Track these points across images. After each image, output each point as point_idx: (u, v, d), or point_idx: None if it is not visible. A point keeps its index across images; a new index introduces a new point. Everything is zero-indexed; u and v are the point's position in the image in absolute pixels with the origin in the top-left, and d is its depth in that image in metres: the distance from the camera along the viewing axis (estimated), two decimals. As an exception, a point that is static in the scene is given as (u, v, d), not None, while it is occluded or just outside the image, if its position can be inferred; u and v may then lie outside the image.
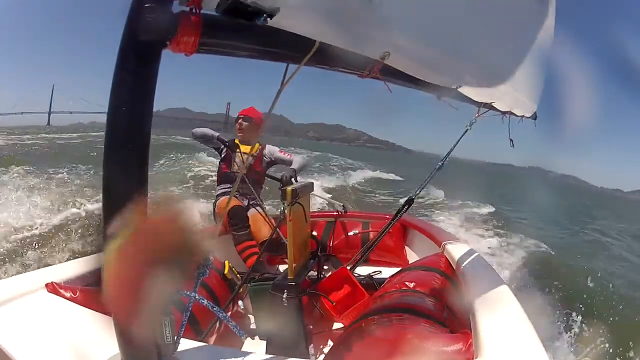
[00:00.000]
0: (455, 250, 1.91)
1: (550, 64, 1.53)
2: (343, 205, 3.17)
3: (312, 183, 2.15)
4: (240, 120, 2.83)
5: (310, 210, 2.12)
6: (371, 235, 2.86)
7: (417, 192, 2.52)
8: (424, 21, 0.82)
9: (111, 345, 0.74)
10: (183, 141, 15.51)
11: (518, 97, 1.47)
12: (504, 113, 1.61)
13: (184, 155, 12.22)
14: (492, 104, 1.42)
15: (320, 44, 0.73)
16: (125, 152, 0.64)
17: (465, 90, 1.12)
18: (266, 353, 1.62)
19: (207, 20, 0.62)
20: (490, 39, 1.11)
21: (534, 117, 1.84)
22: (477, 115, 1.81)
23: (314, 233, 2.85)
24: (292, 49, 0.75)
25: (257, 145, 2.88)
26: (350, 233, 2.99)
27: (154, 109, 0.65)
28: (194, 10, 0.60)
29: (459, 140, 2.24)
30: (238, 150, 2.81)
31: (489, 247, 5.94)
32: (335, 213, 3.15)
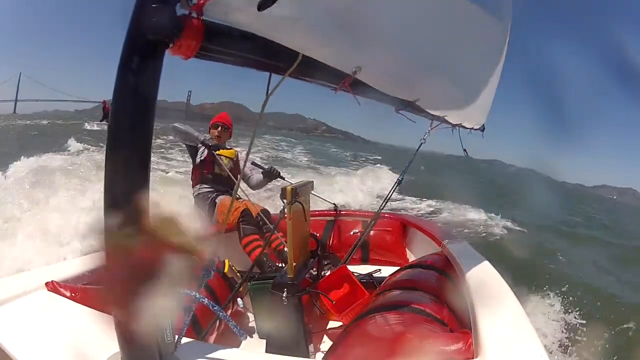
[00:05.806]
0: (455, 249, 1.91)
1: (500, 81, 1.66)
2: (335, 205, 3.19)
3: (312, 182, 2.14)
4: (219, 128, 3.05)
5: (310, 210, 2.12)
6: (371, 233, 2.86)
7: (382, 206, 2.71)
8: (394, 39, 0.90)
9: (111, 344, 0.74)
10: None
11: (470, 111, 1.59)
12: (454, 126, 1.73)
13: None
14: (445, 117, 1.51)
15: (303, 57, 0.76)
16: (127, 151, 0.64)
17: (424, 104, 1.19)
18: (266, 352, 1.62)
19: (209, 27, 0.63)
20: (450, 59, 1.20)
21: (482, 129, 2.00)
22: (430, 128, 1.93)
23: (314, 232, 2.86)
24: (279, 60, 0.79)
25: (234, 150, 3.09)
26: (350, 232, 3.00)
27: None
28: (194, 15, 0.60)
29: (415, 154, 2.44)
30: (219, 154, 3.01)
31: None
32: (334, 212, 3.14)
